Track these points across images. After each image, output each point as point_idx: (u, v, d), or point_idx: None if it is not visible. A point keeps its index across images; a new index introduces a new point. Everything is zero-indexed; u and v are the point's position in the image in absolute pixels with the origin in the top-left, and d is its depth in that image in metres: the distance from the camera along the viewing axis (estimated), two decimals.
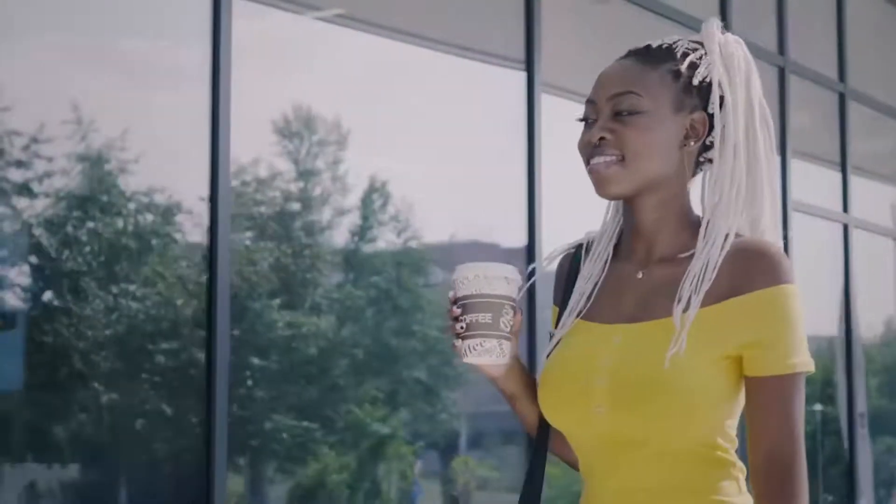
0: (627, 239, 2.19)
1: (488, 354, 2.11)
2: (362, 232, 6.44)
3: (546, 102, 6.63)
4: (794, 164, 8.93)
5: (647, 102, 2.09)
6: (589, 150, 2.12)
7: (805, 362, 2.05)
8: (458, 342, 2.11)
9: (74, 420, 5.03)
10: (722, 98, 2.13)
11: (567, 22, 7.13)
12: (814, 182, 9.48)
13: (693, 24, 7.22)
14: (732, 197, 2.12)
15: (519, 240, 6.66)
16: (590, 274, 2.20)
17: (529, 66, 6.64)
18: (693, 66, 2.13)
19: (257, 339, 5.85)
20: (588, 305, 2.17)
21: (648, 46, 2.17)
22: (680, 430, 2.03)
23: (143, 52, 5.31)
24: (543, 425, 2.21)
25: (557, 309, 2.26)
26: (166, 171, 5.19)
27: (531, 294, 6.22)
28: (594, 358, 2.09)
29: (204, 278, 5.16)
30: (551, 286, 2.34)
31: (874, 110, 10.44)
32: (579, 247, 2.27)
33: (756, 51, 8.76)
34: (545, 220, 6.62)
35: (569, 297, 2.22)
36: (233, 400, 5.39)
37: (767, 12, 8.99)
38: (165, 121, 5.23)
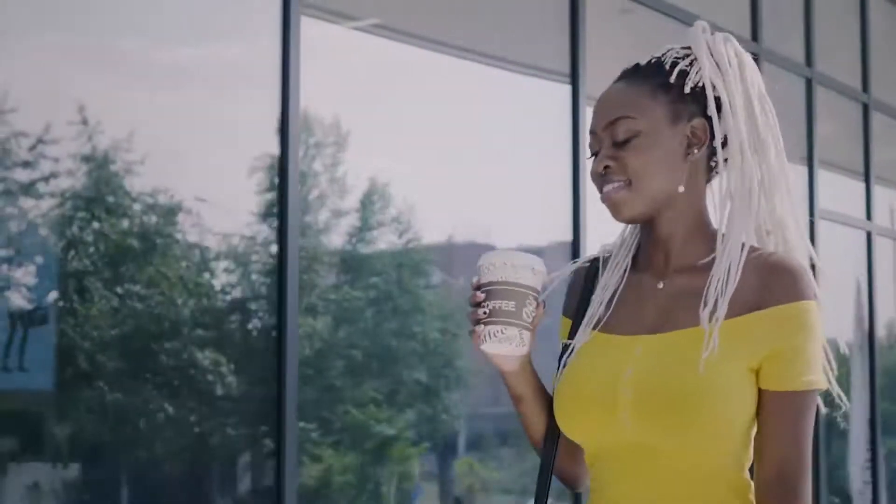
0: (646, 250, 2.18)
1: (508, 342, 2.09)
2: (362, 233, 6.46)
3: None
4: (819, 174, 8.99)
5: (642, 123, 2.09)
6: (599, 180, 2.13)
7: (820, 381, 2.06)
8: (479, 327, 2.09)
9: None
10: (719, 99, 2.12)
11: (607, 33, 7.18)
12: (838, 191, 9.54)
13: None
14: (746, 195, 2.11)
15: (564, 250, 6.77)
16: (607, 284, 2.20)
17: (574, 80, 6.74)
18: (683, 74, 2.12)
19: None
20: (606, 317, 2.17)
21: (637, 65, 2.17)
22: (705, 442, 2.03)
23: (145, 51, 5.32)
24: (551, 436, 2.20)
25: (569, 321, 2.25)
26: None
27: None
28: (616, 370, 2.08)
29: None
30: (558, 298, 2.33)
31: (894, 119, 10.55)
32: (595, 260, 2.26)
33: (784, 62, 8.78)
34: (589, 228, 6.71)
35: (583, 310, 2.21)
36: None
37: (795, 25, 9.03)
38: (168, 121, 5.24)
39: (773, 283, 2.04)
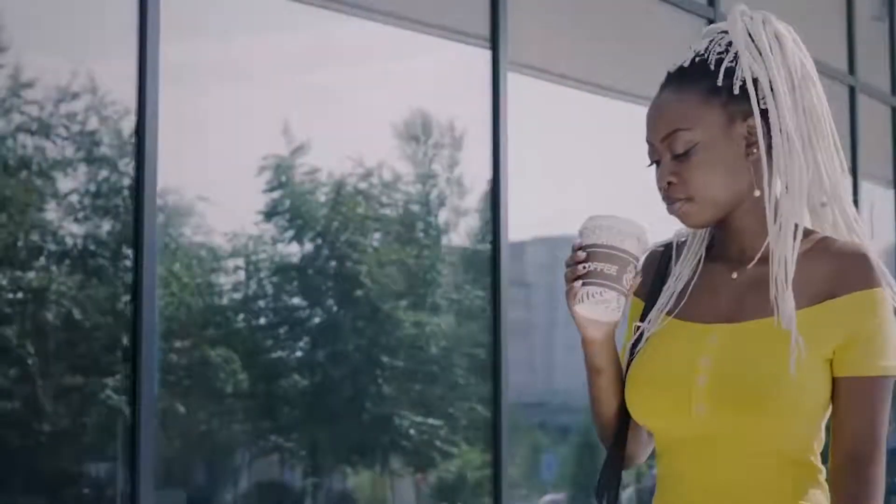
0: (720, 241, 2.16)
1: (605, 305, 2.05)
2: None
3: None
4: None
5: (699, 133, 2.06)
6: (663, 193, 2.12)
7: (894, 367, 2.04)
8: (577, 285, 2.04)
9: None
10: (763, 87, 2.08)
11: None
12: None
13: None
14: (795, 185, 2.08)
15: None
16: (681, 274, 2.17)
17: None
18: (730, 73, 2.08)
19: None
20: (681, 305, 2.13)
21: (682, 67, 2.13)
22: (781, 432, 2.02)
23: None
24: (622, 415, 2.17)
25: (641, 302, 2.21)
26: None
27: None
28: (693, 357, 2.06)
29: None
30: None
31: None
32: (668, 245, 2.24)
33: (827, 69, 8.62)
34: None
35: (655, 294, 2.19)
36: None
37: (838, 33, 8.97)
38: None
39: (845, 271, 2.03)
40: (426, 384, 6.25)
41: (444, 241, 6.47)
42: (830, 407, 2.06)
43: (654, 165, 2.12)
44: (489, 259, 6.14)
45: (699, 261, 2.17)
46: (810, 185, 2.09)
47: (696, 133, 2.06)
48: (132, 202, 4.73)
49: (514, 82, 6.12)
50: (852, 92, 9.00)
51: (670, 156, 2.09)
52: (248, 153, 5.51)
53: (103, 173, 4.96)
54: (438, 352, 6.29)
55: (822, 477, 2.07)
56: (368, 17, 5.83)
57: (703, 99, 2.07)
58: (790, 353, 1.98)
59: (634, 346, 2.15)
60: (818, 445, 2.07)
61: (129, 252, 4.74)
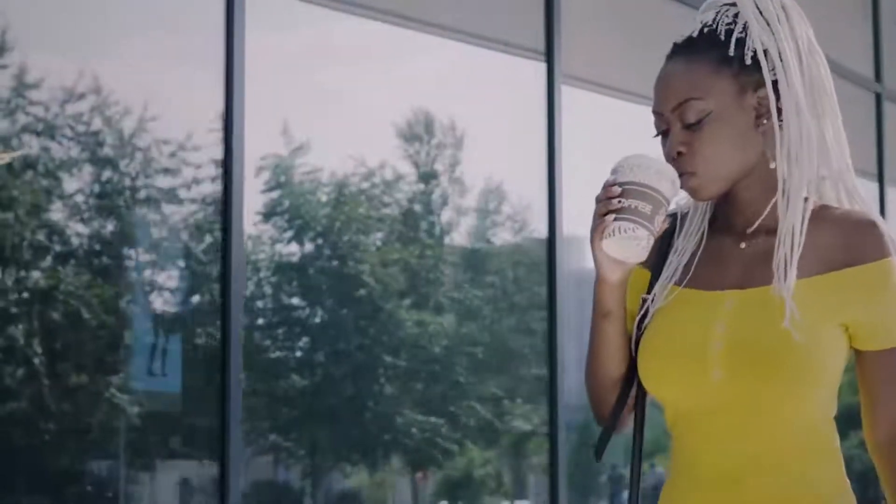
0: (724, 212, 2.14)
1: (636, 242, 2.00)
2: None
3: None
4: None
5: (711, 102, 2.05)
6: (672, 163, 2.09)
7: None
8: (608, 218, 2.00)
9: None
10: (772, 57, 2.06)
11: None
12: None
13: None
14: (804, 154, 2.06)
15: None
16: (684, 249, 2.14)
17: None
18: (740, 44, 2.06)
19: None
20: (689, 276, 2.11)
21: (691, 38, 2.11)
22: (796, 397, 2.00)
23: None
24: (628, 373, 2.14)
25: (646, 273, 2.17)
26: None
27: None
28: (707, 324, 2.04)
29: None
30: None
31: None
32: (673, 216, 2.19)
33: (853, 76, 8.58)
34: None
35: (660, 265, 2.15)
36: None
37: (864, 39, 8.98)
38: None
39: (859, 241, 2.02)
40: (487, 378, 6.28)
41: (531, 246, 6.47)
42: (841, 375, 2.05)
43: (661, 137, 2.10)
44: (545, 262, 6.24)
45: (702, 236, 2.14)
46: (818, 157, 2.08)
47: (708, 102, 2.05)
48: (220, 216, 4.82)
49: (567, 94, 6.24)
50: (878, 99, 8.98)
51: (680, 125, 2.07)
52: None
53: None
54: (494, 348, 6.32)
55: (837, 443, 2.06)
56: (434, 33, 5.98)
57: (715, 69, 2.06)
58: (790, 322, 1.96)
59: (642, 319, 2.12)
60: (832, 411, 2.07)
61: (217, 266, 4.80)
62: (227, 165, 4.72)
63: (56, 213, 4.96)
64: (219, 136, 4.90)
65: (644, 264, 2.15)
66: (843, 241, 2.03)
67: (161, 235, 5.15)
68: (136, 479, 5.11)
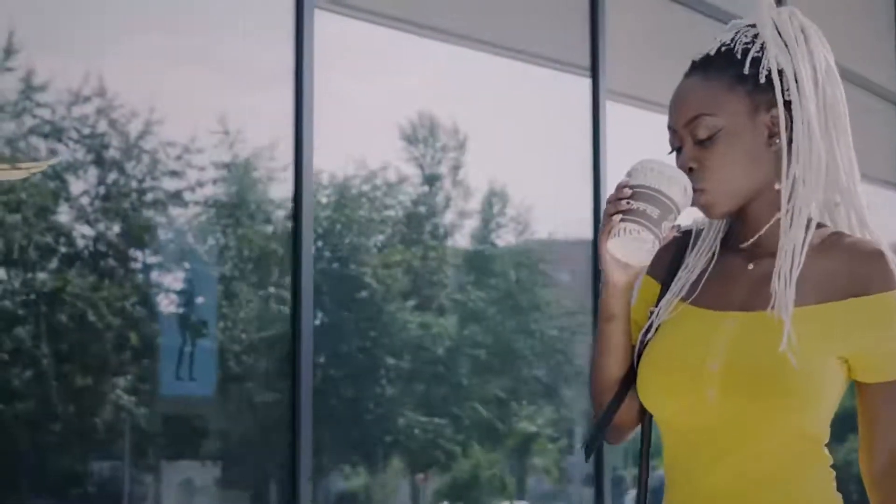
0: (735, 233, 2.15)
1: (640, 244, 2.02)
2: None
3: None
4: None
5: (723, 119, 2.06)
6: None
7: None
8: (615, 219, 2.02)
9: None
10: (787, 78, 2.08)
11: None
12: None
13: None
14: (811, 175, 2.07)
15: None
16: (694, 266, 2.16)
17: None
18: (756, 63, 2.08)
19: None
20: (695, 293, 2.12)
21: (708, 55, 2.13)
22: (790, 421, 2.01)
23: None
24: (626, 379, 2.14)
25: (655, 284, 2.19)
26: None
27: None
28: (707, 342, 2.05)
29: None
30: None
31: None
32: (687, 232, 2.21)
33: (875, 88, 8.58)
34: None
35: (670, 280, 2.17)
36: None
37: (888, 51, 8.97)
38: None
39: (865, 271, 2.02)
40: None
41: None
42: (837, 404, 2.05)
43: (675, 153, 2.12)
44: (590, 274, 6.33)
45: (713, 255, 2.16)
46: (827, 179, 2.09)
47: (720, 119, 2.06)
48: (291, 221, 4.91)
49: (611, 109, 6.39)
50: None
51: (693, 141, 2.08)
52: None
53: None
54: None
55: (829, 463, 2.07)
56: (482, 49, 6.12)
57: (729, 86, 2.07)
58: (787, 346, 1.97)
59: (646, 333, 2.13)
60: (825, 437, 2.07)
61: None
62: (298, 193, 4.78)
63: (62, 215, 4.98)
64: (220, 138, 4.96)
65: (656, 277, 2.19)
66: (847, 269, 2.04)
67: (167, 237, 5.17)
68: (140, 479, 5.13)
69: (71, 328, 4.84)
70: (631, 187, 2.04)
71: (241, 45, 5.30)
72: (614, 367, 2.16)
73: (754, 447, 2.02)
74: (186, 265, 5.21)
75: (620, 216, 2.02)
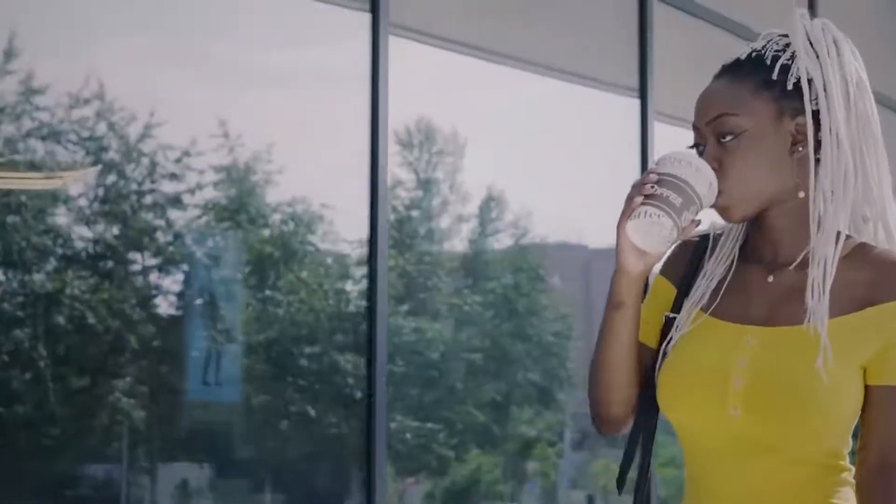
0: (754, 242, 2.13)
1: (658, 229, 2.01)
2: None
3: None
4: None
5: (746, 120, 2.05)
6: None
7: None
8: (637, 200, 2.01)
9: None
10: (816, 87, 2.06)
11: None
12: None
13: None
14: (840, 190, 2.05)
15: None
16: (713, 273, 2.13)
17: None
18: (785, 70, 2.07)
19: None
20: (715, 303, 2.10)
21: (738, 60, 2.12)
22: (815, 438, 2.00)
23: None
24: (650, 383, 2.13)
25: (671, 287, 2.18)
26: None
27: None
28: (728, 358, 2.04)
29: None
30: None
31: None
32: (705, 237, 2.19)
33: (883, 99, 8.63)
34: None
35: (687, 285, 2.15)
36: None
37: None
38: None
39: (885, 279, 2.02)
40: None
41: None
42: (858, 415, 2.05)
43: (696, 150, 2.09)
44: None
45: (732, 262, 2.14)
46: (856, 192, 2.07)
47: (743, 120, 2.05)
48: (368, 229, 4.95)
49: (659, 130, 6.57)
50: None
51: (715, 140, 2.07)
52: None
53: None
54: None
55: (850, 477, 2.06)
56: (531, 70, 6.34)
57: (755, 89, 2.06)
58: (822, 362, 1.96)
59: (664, 340, 2.11)
60: (846, 449, 2.07)
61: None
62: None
63: (61, 217, 4.98)
64: (221, 142, 4.97)
65: (671, 280, 2.17)
66: (868, 278, 2.04)
67: (167, 240, 5.18)
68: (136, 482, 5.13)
69: (70, 330, 4.84)
70: (658, 174, 2.03)
71: (241, 47, 5.31)
72: (616, 361, 2.13)
73: (777, 459, 2.02)
74: (185, 267, 5.21)
75: (642, 199, 2.01)
